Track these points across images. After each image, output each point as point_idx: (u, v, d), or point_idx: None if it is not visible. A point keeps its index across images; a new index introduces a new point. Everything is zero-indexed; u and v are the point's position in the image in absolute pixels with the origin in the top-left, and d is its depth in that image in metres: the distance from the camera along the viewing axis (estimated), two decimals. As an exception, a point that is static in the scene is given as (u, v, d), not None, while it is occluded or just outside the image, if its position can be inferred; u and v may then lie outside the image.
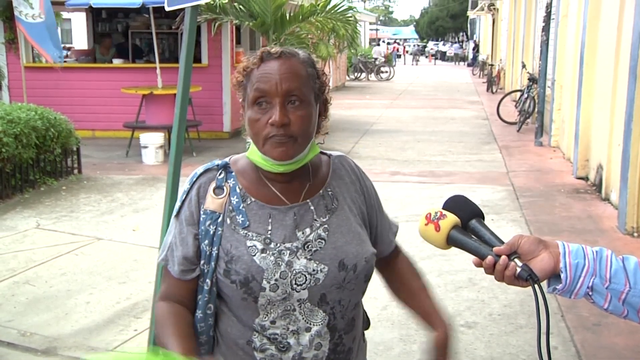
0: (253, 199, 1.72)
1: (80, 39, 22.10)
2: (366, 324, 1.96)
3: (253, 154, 1.71)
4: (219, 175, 1.74)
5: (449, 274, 5.62)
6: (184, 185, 1.79)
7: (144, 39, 14.50)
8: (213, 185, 1.73)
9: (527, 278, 1.42)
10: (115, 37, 14.67)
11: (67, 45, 24.10)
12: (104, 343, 4.45)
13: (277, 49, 1.68)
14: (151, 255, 5.84)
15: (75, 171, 9.38)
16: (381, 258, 1.89)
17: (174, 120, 3.30)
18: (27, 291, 5.30)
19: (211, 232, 1.70)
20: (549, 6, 12.30)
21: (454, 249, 1.57)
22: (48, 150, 8.65)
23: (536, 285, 1.41)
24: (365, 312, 1.92)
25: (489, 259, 1.46)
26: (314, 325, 1.70)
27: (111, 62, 13.48)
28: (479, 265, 1.50)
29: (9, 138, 7.70)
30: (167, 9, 3.31)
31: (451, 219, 1.53)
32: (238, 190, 1.73)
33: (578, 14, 10.27)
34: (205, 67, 12.53)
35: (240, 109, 1.75)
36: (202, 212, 1.71)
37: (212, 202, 1.71)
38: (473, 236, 1.53)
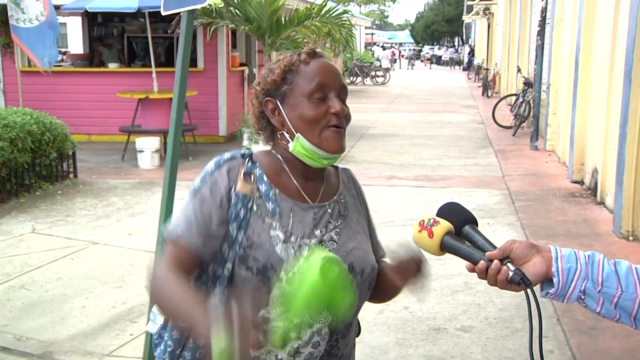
0: (277, 191, 1.74)
1: (76, 44, 22.07)
2: (357, 331, 1.95)
3: (299, 147, 1.71)
4: (248, 162, 1.76)
5: (445, 278, 5.62)
6: (205, 168, 1.74)
7: (139, 43, 14.51)
8: (243, 170, 1.74)
9: (519, 282, 1.43)
10: (112, 41, 14.72)
11: (63, 50, 24.09)
12: (100, 347, 4.45)
13: (318, 50, 1.78)
14: (147, 259, 5.83)
15: (71, 175, 9.37)
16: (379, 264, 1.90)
17: (170, 124, 3.30)
18: (23, 296, 5.29)
19: (241, 216, 1.69)
20: (544, 10, 12.34)
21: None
22: (44, 155, 8.64)
23: (528, 290, 1.42)
24: (358, 321, 1.92)
25: (482, 263, 1.47)
26: (316, 322, 1.70)
27: (119, 60, 13.50)
28: (472, 270, 1.50)
29: (4, 142, 7.69)
30: (163, 13, 3.32)
31: (444, 225, 1.54)
32: (265, 179, 1.75)
33: (573, 18, 10.30)
34: (201, 71, 12.54)
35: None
36: (233, 194, 1.70)
37: (243, 185, 1.71)
38: (466, 242, 1.54)
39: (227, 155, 1.78)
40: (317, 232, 1.74)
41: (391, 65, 37.95)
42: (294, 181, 1.77)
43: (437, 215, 1.58)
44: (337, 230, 1.77)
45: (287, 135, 1.73)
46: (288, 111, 1.72)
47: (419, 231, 1.56)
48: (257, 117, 1.80)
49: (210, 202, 1.69)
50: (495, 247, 1.50)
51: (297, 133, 1.70)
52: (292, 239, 1.70)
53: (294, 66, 1.73)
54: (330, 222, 1.77)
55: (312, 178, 1.78)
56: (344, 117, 1.71)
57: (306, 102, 1.69)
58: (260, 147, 1.88)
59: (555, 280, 1.42)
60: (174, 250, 1.70)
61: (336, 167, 1.91)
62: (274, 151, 1.80)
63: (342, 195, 1.84)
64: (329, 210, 1.78)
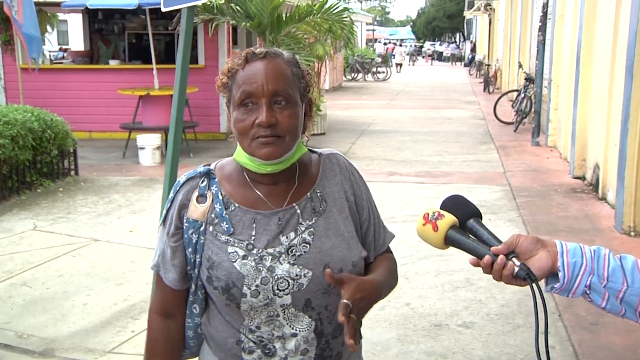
0: (237, 205, 1.71)
1: (77, 40, 22.07)
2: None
3: (240, 155, 1.70)
4: (202, 183, 1.74)
5: (447, 274, 5.62)
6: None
7: (140, 40, 14.50)
8: (196, 193, 1.73)
9: (525, 277, 1.42)
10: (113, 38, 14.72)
11: (64, 47, 24.11)
12: (101, 344, 4.45)
13: (261, 50, 1.67)
14: (148, 256, 5.83)
15: (72, 173, 9.37)
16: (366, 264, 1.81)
17: (170, 121, 3.30)
18: (24, 293, 5.29)
19: (194, 241, 1.71)
20: (545, 6, 12.31)
21: (451, 249, 1.57)
22: (45, 152, 8.64)
23: (534, 284, 1.41)
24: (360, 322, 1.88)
25: (487, 258, 1.46)
26: (300, 331, 1.68)
27: (113, 57, 13.49)
28: (476, 264, 1.49)
29: (5, 140, 7.69)
30: (163, 9, 3.31)
31: (449, 218, 1.53)
32: (220, 197, 1.71)
33: (574, 13, 10.28)
34: (202, 68, 12.53)
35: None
36: (185, 221, 1.72)
37: (194, 210, 1.71)
38: (471, 236, 1.53)
39: (183, 177, 1.76)
40: (283, 239, 1.67)
41: (407, 60, 38.93)
42: (256, 190, 1.72)
43: (441, 208, 1.57)
44: (312, 230, 1.69)
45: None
46: (231, 119, 1.68)
47: (424, 224, 1.55)
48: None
49: (166, 236, 1.75)
50: (500, 242, 1.48)
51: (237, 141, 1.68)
52: (254, 251, 1.66)
53: (232, 71, 1.67)
54: (301, 224, 1.69)
55: (279, 180, 1.71)
56: (273, 126, 1.60)
57: (236, 112, 1.64)
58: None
59: (560, 274, 1.41)
60: (159, 285, 1.80)
61: (319, 155, 1.81)
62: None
63: (318, 187, 1.74)
64: (298, 211, 1.70)
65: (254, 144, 1.63)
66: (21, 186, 8.25)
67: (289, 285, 1.65)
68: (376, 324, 4.68)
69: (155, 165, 10.18)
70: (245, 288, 1.64)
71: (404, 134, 13.91)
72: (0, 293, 5.27)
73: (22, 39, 9.97)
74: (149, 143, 10.27)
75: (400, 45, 56.95)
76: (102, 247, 6.43)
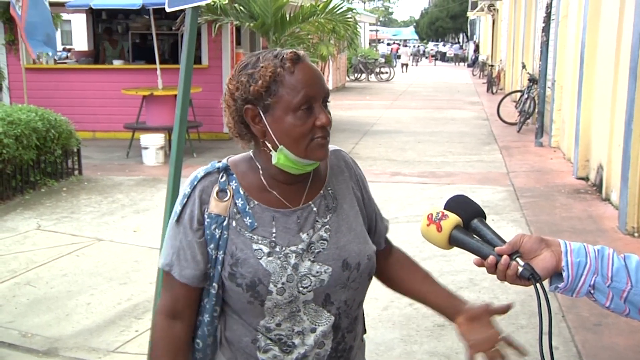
0: (256, 202, 1.71)
1: (81, 40, 22.10)
2: (363, 327, 1.94)
3: (282, 159, 1.65)
4: (221, 178, 1.72)
5: (450, 274, 5.61)
6: (183, 188, 1.75)
7: (144, 40, 14.52)
8: (216, 188, 1.71)
9: (529, 277, 1.42)
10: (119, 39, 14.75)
11: (68, 47, 24.13)
12: (105, 344, 4.46)
13: (302, 53, 1.67)
14: (152, 256, 5.85)
15: (76, 172, 9.38)
16: (378, 253, 1.85)
17: (174, 121, 3.30)
18: (28, 292, 5.30)
19: (217, 236, 1.68)
20: (549, 7, 12.30)
21: (455, 250, 1.58)
22: (49, 152, 8.65)
23: (538, 285, 1.41)
24: (363, 317, 1.90)
25: (491, 258, 1.46)
26: (319, 325, 1.70)
27: (120, 57, 13.52)
28: (480, 265, 1.50)
29: (9, 139, 7.71)
30: (167, 10, 3.31)
31: (453, 219, 1.53)
32: (242, 192, 1.71)
33: (578, 14, 10.27)
34: (205, 68, 12.54)
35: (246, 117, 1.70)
36: (206, 216, 1.69)
37: (216, 205, 1.69)
38: (475, 236, 1.53)
39: (201, 172, 1.73)
40: (304, 236, 1.69)
41: (410, 61, 38.91)
42: (274, 191, 1.71)
43: (445, 208, 1.57)
44: (327, 227, 1.72)
45: (269, 145, 1.66)
46: (272, 123, 1.63)
47: (427, 225, 1.55)
48: (235, 121, 1.70)
49: (189, 231, 1.70)
50: (504, 242, 1.49)
51: (280, 145, 1.64)
52: (277, 249, 1.67)
53: (278, 77, 1.61)
54: (317, 221, 1.72)
55: (295, 182, 1.72)
56: (329, 126, 1.65)
57: (292, 117, 1.61)
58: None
59: (564, 274, 1.41)
60: (170, 286, 1.74)
61: None
62: (254, 158, 1.75)
63: (329, 185, 1.77)
64: (315, 209, 1.73)
65: (312, 145, 1.63)
66: (25, 186, 8.27)
67: (311, 282, 1.67)
68: (379, 324, 4.69)
69: (159, 165, 10.19)
70: (271, 285, 1.64)
71: (407, 134, 13.91)
72: (4, 292, 5.29)
73: (24, 37, 9.97)
74: (152, 143, 10.28)
75: (406, 46, 57.44)
76: (105, 247, 6.44)
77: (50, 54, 10.26)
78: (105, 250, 6.34)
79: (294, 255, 1.67)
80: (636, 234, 6.64)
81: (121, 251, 6.31)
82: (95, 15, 14.94)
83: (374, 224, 1.88)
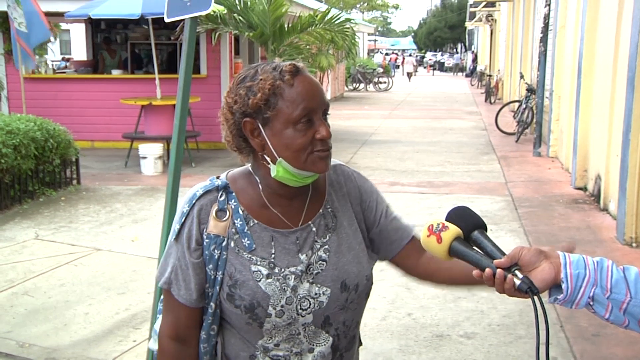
0: (255, 222, 1.68)
1: (80, 50, 22.14)
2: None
3: (282, 171, 1.63)
4: (220, 197, 1.69)
5: (448, 284, 5.60)
6: (181, 205, 1.72)
7: (143, 49, 14.55)
8: (215, 207, 1.68)
9: (526, 290, 1.42)
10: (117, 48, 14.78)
11: (67, 57, 24.19)
12: (102, 354, 4.44)
13: (301, 65, 1.65)
14: (150, 265, 5.84)
15: (74, 182, 9.38)
16: (400, 252, 1.81)
17: (173, 130, 3.30)
18: (26, 302, 5.29)
19: (216, 257, 1.65)
20: (546, 17, 12.34)
21: (454, 260, 1.58)
22: (47, 161, 8.65)
23: (536, 298, 1.41)
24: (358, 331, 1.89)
25: (488, 271, 1.45)
26: (317, 346, 1.69)
27: (122, 68, 13.55)
28: (479, 277, 1.50)
29: (8, 149, 7.71)
30: (166, 19, 3.32)
31: (453, 230, 1.53)
32: (241, 212, 1.68)
33: (576, 24, 10.31)
34: (204, 77, 12.56)
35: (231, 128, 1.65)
36: (205, 236, 1.66)
37: (214, 225, 1.66)
38: (475, 248, 1.53)
39: (200, 190, 1.69)
40: (303, 257, 1.67)
41: (414, 70, 41.16)
42: (274, 209, 1.69)
43: (446, 219, 1.57)
44: (327, 247, 1.70)
45: (267, 158, 1.64)
46: (271, 136, 1.61)
47: (428, 236, 1.55)
48: (234, 135, 1.67)
49: (187, 251, 1.67)
50: (504, 254, 1.48)
51: (279, 158, 1.61)
52: (276, 270, 1.65)
53: (277, 89, 1.59)
54: (316, 241, 1.69)
55: (295, 196, 1.70)
56: (330, 138, 1.64)
57: (291, 130, 1.59)
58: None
59: (564, 286, 1.41)
60: (171, 306, 1.71)
61: None
62: (252, 173, 1.72)
63: (328, 203, 1.75)
64: (314, 229, 1.70)
65: (311, 158, 1.61)
66: (23, 195, 8.26)
67: (310, 304, 1.66)
68: (378, 334, 4.68)
69: (157, 174, 10.19)
70: (270, 308, 1.63)
71: (406, 144, 13.92)
72: (2, 302, 5.28)
73: (24, 45, 10.01)
74: (151, 152, 10.29)
75: (410, 55, 60.04)
76: (104, 257, 6.43)
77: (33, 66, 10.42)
78: (103, 260, 6.33)
79: (293, 277, 1.65)
80: (634, 244, 6.64)
81: (119, 261, 6.30)
82: (94, 25, 14.96)
83: (383, 231, 1.81)
